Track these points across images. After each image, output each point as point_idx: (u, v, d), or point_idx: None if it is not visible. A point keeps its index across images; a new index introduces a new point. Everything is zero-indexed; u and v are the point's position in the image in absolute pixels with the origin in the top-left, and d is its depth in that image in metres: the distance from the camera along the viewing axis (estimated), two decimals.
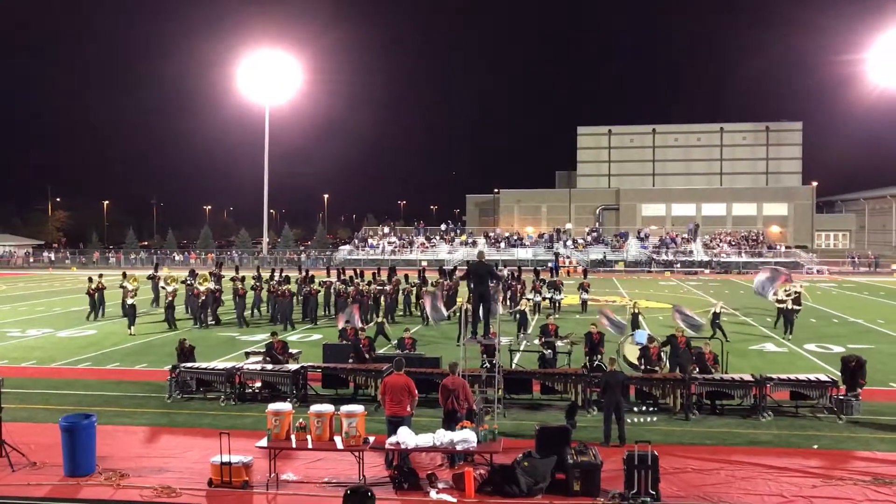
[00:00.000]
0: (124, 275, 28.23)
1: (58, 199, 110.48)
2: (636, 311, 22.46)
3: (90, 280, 28.74)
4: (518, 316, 23.34)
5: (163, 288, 28.15)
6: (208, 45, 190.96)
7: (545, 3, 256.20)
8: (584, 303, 30.87)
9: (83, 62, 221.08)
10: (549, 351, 16.73)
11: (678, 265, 59.46)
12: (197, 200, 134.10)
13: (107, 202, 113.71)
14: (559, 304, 30.27)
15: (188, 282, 28.82)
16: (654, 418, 13.59)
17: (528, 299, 27.95)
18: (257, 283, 29.39)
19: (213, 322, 26.51)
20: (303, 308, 27.68)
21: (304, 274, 29.58)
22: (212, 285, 27.34)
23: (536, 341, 17.51)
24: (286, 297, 26.56)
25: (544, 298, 29.86)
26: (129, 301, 25.31)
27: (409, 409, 10.82)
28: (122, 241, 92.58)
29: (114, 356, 20.49)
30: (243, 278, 28.08)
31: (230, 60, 68.90)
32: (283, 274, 31.03)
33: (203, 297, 26.49)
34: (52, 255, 74.72)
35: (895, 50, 58.94)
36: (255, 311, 28.64)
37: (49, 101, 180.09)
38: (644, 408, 14.06)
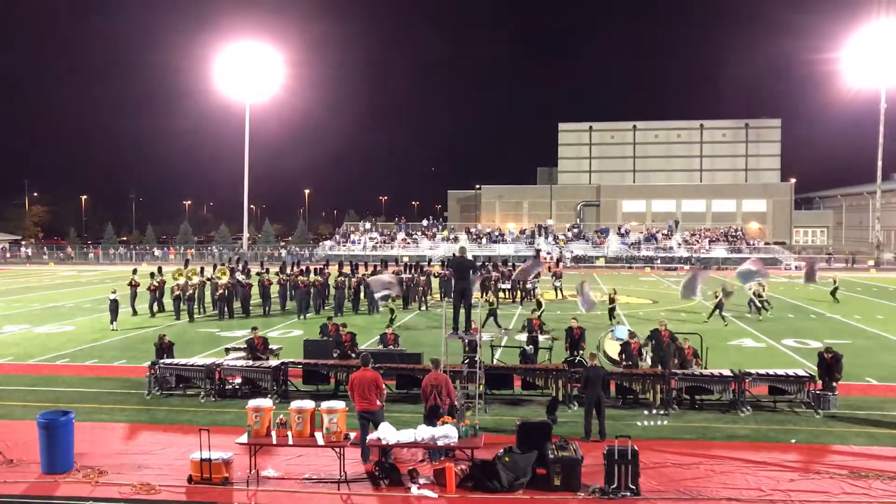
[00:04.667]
0: (186, 263, 30.38)
1: (35, 194, 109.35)
2: (613, 296, 24.94)
3: (152, 276, 28.28)
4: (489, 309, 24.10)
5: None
6: (188, 38, 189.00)
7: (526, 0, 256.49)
8: (556, 290, 32.92)
9: (60, 56, 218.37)
10: (531, 346, 16.78)
11: (658, 261, 59.86)
12: (176, 195, 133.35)
13: (85, 197, 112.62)
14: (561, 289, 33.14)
15: (210, 276, 29.30)
16: (642, 413, 13.69)
17: (505, 290, 30.69)
18: (283, 277, 30.33)
19: (244, 314, 27.37)
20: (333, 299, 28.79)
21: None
22: (241, 278, 28.46)
23: (522, 336, 17.54)
24: (302, 287, 27.71)
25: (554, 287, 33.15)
26: (188, 292, 26.76)
27: (378, 402, 10.80)
28: (100, 237, 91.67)
29: (92, 352, 20.30)
30: (268, 270, 29.96)
31: (210, 54, 68.15)
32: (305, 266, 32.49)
33: (221, 291, 27.32)
34: (30, 251, 73.80)
35: (872, 48, 59.64)
36: (283, 303, 29.64)
37: (25, 95, 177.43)
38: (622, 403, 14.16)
